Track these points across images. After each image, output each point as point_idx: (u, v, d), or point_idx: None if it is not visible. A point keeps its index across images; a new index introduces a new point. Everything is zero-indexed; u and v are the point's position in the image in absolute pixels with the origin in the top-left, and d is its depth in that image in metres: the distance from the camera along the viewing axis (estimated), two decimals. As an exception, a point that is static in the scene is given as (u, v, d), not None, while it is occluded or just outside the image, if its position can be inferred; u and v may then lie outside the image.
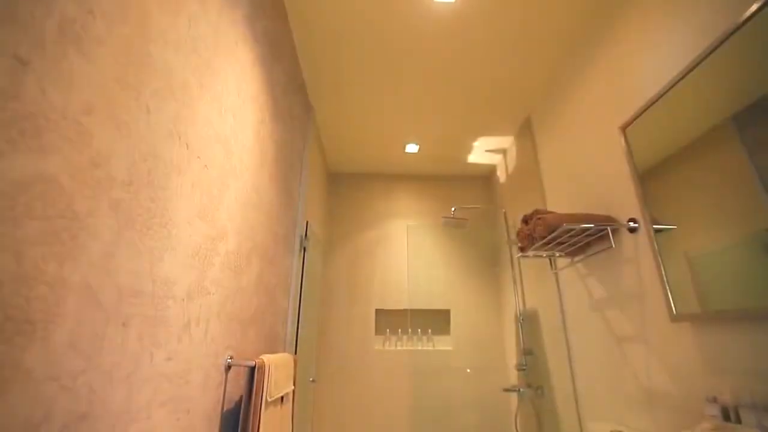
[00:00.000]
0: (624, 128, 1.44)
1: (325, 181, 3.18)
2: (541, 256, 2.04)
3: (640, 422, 1.40)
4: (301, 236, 2.08)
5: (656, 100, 1.28)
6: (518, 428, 2.47)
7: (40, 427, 0.49)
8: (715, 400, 1.04)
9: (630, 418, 1.46)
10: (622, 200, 1.52)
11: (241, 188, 1.20)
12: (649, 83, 1.38)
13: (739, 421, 0.97)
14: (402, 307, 3.03)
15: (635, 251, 1.44)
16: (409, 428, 2.72)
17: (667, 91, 1.24)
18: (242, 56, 1.20)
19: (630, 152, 1.41)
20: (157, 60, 0.73)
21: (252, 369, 1.13)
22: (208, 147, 0.95)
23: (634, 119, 1.39)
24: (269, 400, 1.15)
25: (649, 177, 1.33)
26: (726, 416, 1.00)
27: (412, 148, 2.96)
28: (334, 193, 3.36)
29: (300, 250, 2.04)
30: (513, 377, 2.73)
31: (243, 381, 1.22)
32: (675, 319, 1.20)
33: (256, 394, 1.10)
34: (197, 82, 0.89)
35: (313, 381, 2.48)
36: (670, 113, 1.24)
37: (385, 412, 2.76)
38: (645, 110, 1.34)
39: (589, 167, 1.78)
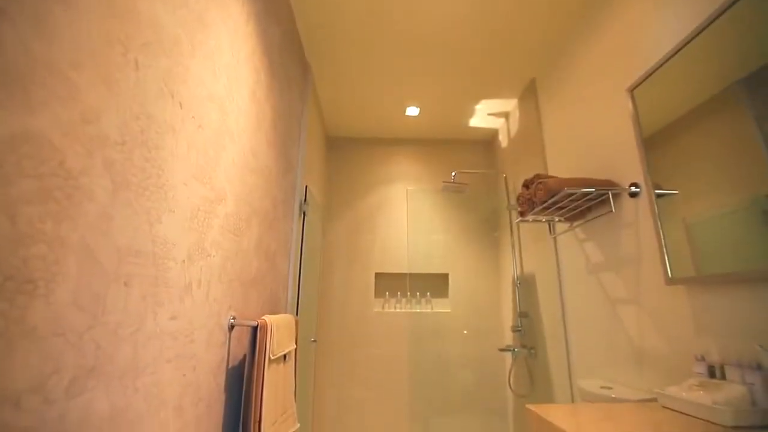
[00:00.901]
0: (632, 90, 1.40)
1: (324, 146, 3.14)
2: (540, 221, 2.05)
3: (629, 379, 1.46)
4: (301, 201, 2.07)
5: (667, 61, 1.24)
6: (511, 385, 2.59)
7: (51, 378, 0.50)
8: (702, 358, 1.08)
9: (620, 376, 1.52)
10: (625, 164, 1.50)
11: (238, 151, 1.18)
12: (659, 43, 1.32)
13: (723, 377, 1.01)
14: (401, 271, 3.08)
15: (635, 216, 1.44)
16: (408, 385, 2.84)
17: (678, 51, 1.19)
18: (235, 12, 1.14)
19: (637, 114, 1.38)
20: (144, 12, 0.69)
21: (254, 329, 1.17)
22: (202, 107, 0.92)
23: (643, 81, 1.34)
24: (272, 358, 1.19)
25: (653, 141, 1.31)
26: (712, 374, 1.04)
27: (412, 111, 2.89)
28: (333, 158, 3.32)
29: (300, 215, 2.05)
30: (508, 338, 2.82)
31: (246, 340, 1.26)
32: (670, 282, 1.22)
33: (259, 352, 1.14)
34: (188, 37, 0.85)
35: (314, 341, 2.57)
36: (679, 76, 1.19)
37: (384, 371, 2.88)
38: (654, 71, 1.29)
39: (593, 131, 1.74)
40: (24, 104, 0.47)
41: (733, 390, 0.92)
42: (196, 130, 0.89)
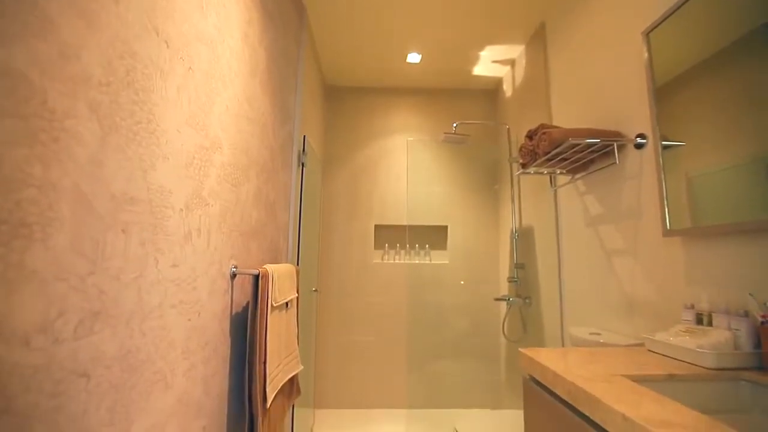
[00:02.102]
0: (648, 33, 1.32)
1: (322, 95, 3.03)
2: (541, 173, 2.02)
3: (619, 327, 1.52)
4: (299, 151, 2.03)
5: (687, 1, 1.15)
6: (505, 332, 2.71)
7: (57, 320, 0.52)
8: (692, 307, 1.12)
9: (610, 324, 1.58)
10: (633, 115, 1.45)
11: (231, 97, 1.13)
12: (683, -23, 1.22)
13: (710, 325, 1.04)
14: (401, 223, 3.10)
15: (639, 168, 1.42)
16: (406, 332, 2.97)
17: (701, -13, 1.10)
18: (221, -62, 1.04)
19: (651, 60, 1.31)
20: (119, -66, 0.63)
21: (256, 277, 1.19)
22: (190, 47, 0.87)
23: (661, 22, 1.26)
24: (274, 305, 1.23)
25: (665, 90, 1.25)
26: (699, 321, 1.08)
27: (414, 57, 2.75)
28: (331, 108, 3.21)
29: (298, 166, 2.02)
30: (504, 288, 2.90)
31: (249, 289, 1.29)
32: (667, 234, 1.23)
33: (261, 299, 1.17)
34: (170, -34, 0.78)
35: (315, 291, 2.65)
36: (701, 16, 1.11)
37: (383, 319, 2.99)
38: (674, 11, 1.21)
39: (602, 79, 1.67)
40: (-4, 37, 0.43)
41: (718, 335, 0.96)
42: (186, 72, 0.85)
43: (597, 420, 0.72)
